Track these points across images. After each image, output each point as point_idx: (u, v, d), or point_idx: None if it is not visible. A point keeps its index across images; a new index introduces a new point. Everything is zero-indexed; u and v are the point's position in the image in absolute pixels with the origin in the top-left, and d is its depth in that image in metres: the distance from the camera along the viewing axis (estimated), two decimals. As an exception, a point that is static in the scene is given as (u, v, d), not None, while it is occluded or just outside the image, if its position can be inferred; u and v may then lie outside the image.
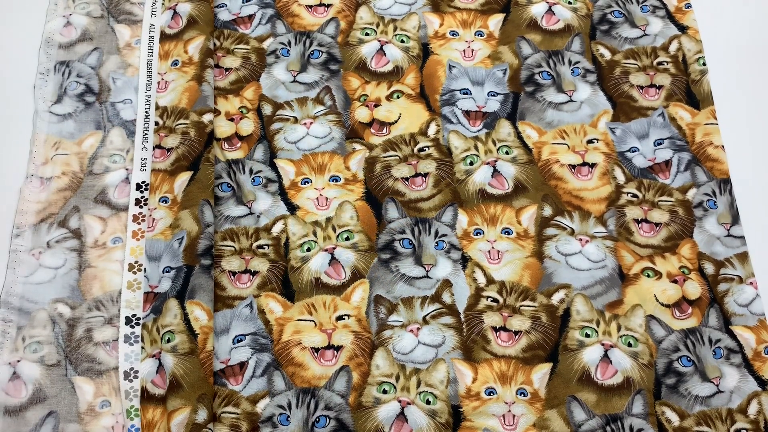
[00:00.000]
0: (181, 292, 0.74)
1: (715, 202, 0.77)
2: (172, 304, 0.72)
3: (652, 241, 0.77)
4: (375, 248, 0.81)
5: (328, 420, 0.71)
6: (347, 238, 0.81)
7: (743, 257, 0.76)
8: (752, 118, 0.82)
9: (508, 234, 0.80)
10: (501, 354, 0.75)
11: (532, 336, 0.75)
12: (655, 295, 0.75)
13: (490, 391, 0.73)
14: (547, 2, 0.91)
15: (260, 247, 0.80)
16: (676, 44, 0.86)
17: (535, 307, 0.77)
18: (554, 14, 0.90)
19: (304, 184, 0.84)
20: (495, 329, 0.76)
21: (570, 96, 0.85)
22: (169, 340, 0.70)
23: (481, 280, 0.79)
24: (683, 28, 0.86)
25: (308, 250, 0.81)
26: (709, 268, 0.76)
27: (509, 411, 0.71)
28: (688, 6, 0.88)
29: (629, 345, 0.73)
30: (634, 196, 0.79)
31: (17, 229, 0.76)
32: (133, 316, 0.72)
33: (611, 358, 0.72)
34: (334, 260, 0.80)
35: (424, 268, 0.79)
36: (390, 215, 0.82)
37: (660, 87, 0.83)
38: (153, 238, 0.75)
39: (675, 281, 0.75)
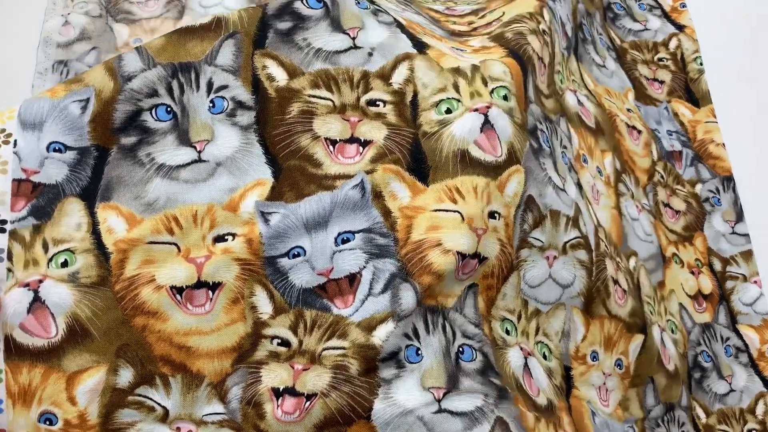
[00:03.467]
0: (90, 188, 0.48)
1: (719, 199, 0.76)
2: (74, 207, 0.48)
3: (675, 227, 0.72)
4: (526, 127, 0.56)
5: (474, 351, 0.49)
6: (506, 98, 0.54)
7: (747, 255, 0.74)
8: (749, 118, 0.80)
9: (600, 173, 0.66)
10: (615, 313, 0.59)
11: (635, 300, 0.61)
12: (681, 284, 0.69)
13: (594, 356, 0.58)
14: None
15: (373, 103, 0.52)
16: (675, 42, 0.83)
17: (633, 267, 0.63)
18: None
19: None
20: (615, 281, 0.59)
21: (603, 62, 0.76)
22: (65, 264, 0.47)
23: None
24: (680, 27, 0.83)
25: (448, 111, 0.53)
26: (717, 265, 0.73)
27: (604, 384, 0.57)
28: (683, 6, 0.84)
29: (671, 331, 0.66)
30: (661, 176, 0.75)
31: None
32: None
33: (665, 342, 0.64)
34: (488, 125, 0.53)
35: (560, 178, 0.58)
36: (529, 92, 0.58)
37: (662, 82, 0.81)
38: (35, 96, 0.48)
39: (692, 273, 0.71)
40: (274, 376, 0.47)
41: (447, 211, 0.51)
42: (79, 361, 0.46)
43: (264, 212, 0.50)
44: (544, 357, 0.53)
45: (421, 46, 0.56)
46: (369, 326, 0.48)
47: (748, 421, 0.67)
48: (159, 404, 0.47)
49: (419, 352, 0.49)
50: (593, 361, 0.57)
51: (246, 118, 0.51)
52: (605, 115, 0.69)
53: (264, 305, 0.49)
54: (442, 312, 0.49)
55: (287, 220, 0.50)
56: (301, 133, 0.51)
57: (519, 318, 0.53)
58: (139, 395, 0.47)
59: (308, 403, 0.47)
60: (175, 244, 0.48)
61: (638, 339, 0.59)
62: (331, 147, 0.51)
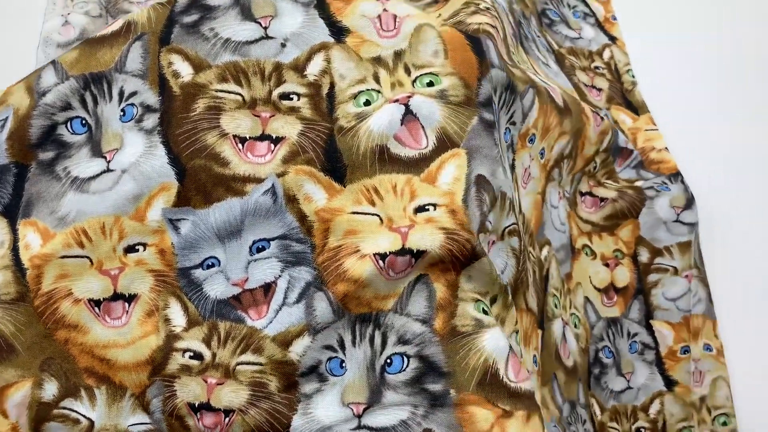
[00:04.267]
0: (12, 205, 0.48)
1: (668, 186, 0.69)
2: None
3: (592, 217, 0.66)
4: (475, 101, 0.49)
5: (405, 359, 0.46)
6: (430, 84, 0.49)
7: (685, 247, 0.67)
8: (687, 127, 0.76)
9: None
10: (530, 306, 0.57)
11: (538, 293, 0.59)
12: (590, 276, 0.64)
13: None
14: None
15: (286, 96, 0.48)
16: (608, 52, 0.79)
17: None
18: None
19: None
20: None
21: (547, 62, 0.70)
22: None
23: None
24: (613, 38, 0.80)
25: (366, 103, 0.49)
26: (644, 256, 0.67)
27: None
28: (614, 18, 0.81)
29: (575, 326, 0.61)
30: (594, 167, 0.69)
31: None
32: None
33: (567, 337, 0.59)
34: (409, 115, 0.48)
35: None
36: (493, 58, 0.51)
37: (600, 89, 0.77)
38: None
39: (606, 265, 0.66)
40: (188, 390, 0.46)
41: (365, 213, 0.48)
42: (5, 375, 0.47)
43: (172, 219, 0.48)
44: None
45: (339, 33, 0.51)
46: (284, 341, 0.47)
47: (638, 419, 0.63)
48: (84, 416, 0.47)
49: (343, 364, 0.47)
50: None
51: (151, 121, 0.49)
52: (572, 96, 0.61)
53: (177, 318, 0.48)
54: (374, 319, 0.47)
55: (198, 230, 0.48)
56: (207, 131, 0.48)
57: (494, 301, 0.48)
58: (64, 408, 0.47)
59: (227, 419, 0.46)
60: (87, 257, 0.48)
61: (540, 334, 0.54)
62: (240, 145, 0.48)
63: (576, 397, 0.58)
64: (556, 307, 0.58)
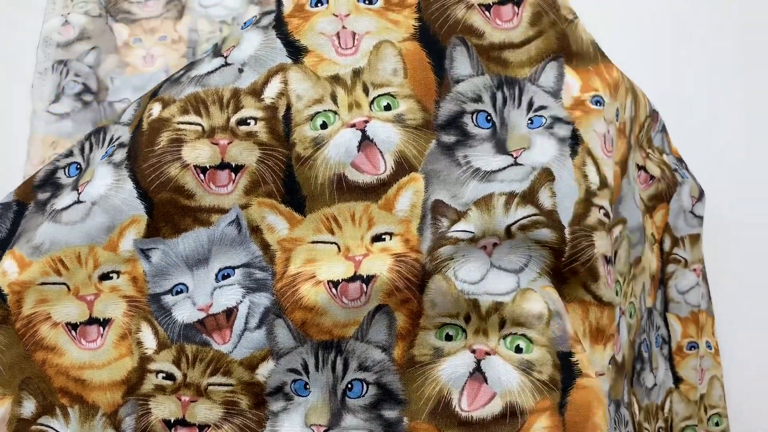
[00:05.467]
0: (6, 239, 0.51)
1: (685, 172, 0.65)
2: None
3: (643, 195, 0.61)
4: (433, 125, 0.50)
5: (365, 386, 0.48)
6: (388, 107, 0.48)
7: (695, 239, 0.65)
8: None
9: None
10: (608, 301, 0.50)
11: None
12: (650, 261, 0.59)
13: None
14: None
15: (243, 122, 0.48)
16: None
17: None
18: None
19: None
20: (606, 260, 0.50)
21: None
22: None
23: (594, 179, 0.50)
24: None
25: (323, 126, 0.48)
26: (666, 244, 0.64)
27: None
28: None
29: (630, 315, 0.56)
30: (641, 133, 0.62)
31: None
32: None
33: (620, 328, 0.54)
34: (366, 141, 0.48)
35: (512, 155, 0.49)
36: (458, 69, 0.50)
37: None
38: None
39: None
40: (163, 408, 0.49)
41: (324, 242, 0.49)
42: None
43: (143, 249, 0.50)
44: (518, 350, 0.48)
45: (297, 53, 0.51)
46: (251, 365, 0.49)
47: (658, 419, 0.61)
48: None
49: (307, 386, 0.49)
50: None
51: (119, 155, 0.51)
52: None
53: (149, 341, 0.50)
54: (336, 346, 0.48)
55: (168, 258, 0.50)
56: (170, 163, 0.49)
57: (468, 320, 0.49)
58: (42, 425, 0.50)
59: None
60: (65, 284, 0.50)
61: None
62: (201, 175, 0.49)
63: (621, 397, 0.54)
64: (617, 294, 0.53)
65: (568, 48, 0.52)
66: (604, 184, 0.50)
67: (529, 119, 0.51)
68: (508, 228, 0.49)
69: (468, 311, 0.48)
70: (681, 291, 0.64)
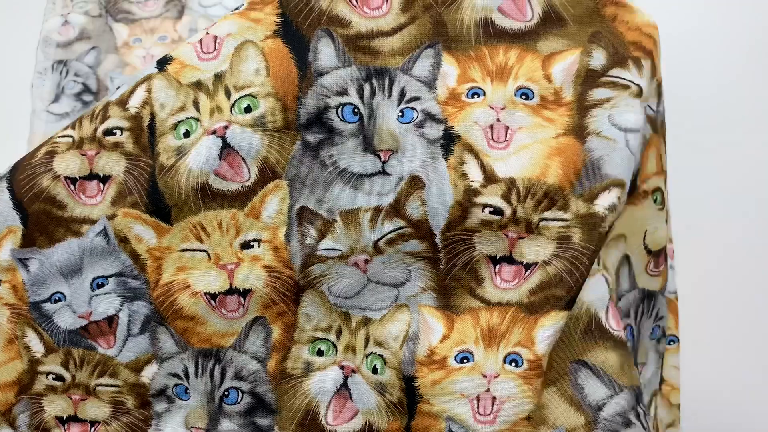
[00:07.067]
0: None
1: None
2: None
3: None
4: (295, 124, 0.48)
5: (240, 394, 0.50)
6: (248, 109, 0.47)
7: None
8: None
9: (526, 97, 0.47)
10: (497, 300, 0.48)
11: (552, 267, 0.47)
12: (646, 231, 0.51)
13: (465, 357, 0.48)
14: None
15: (110, 132, 0.48)
16: None
17: (565, 221, 0.47)
18: None
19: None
20: (494, 260, 0.47)
21: None
22: None
23: (476, 176, 0.47)
24: None
25: (186, 134, 0.47)
26: None
27: (488, 391, 0.46)
28: None
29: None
30: None
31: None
32: None
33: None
34: (228, 149, 0.47)
35: (379, 157, 0.47)
36: (322, 61, 0.47)
37: None
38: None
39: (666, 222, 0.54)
40: (56, 405, 0.51)
41: (194, 250, 0.49)
42: None
43: (21, 259, 0.50)
44: (375, 370, 0.48)
45: (163, 63, 0.49)
46: (136, 368, 0.51)
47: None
48: None
49: (188, 391, 0.50)
50: (461, 363, 0.47)
51: (4, 169, 0.51)
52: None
53: (36, 345, 0.51)
54: (215, 354, 0.50)
55: (44, 268, 0.50)
56: (42, 174, 0.50)
57: (339, 333, 0.49)
58: None
59: (93, 428, 0.51)
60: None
61: (559, 318, 0.46)
62: (72, 186, 0.49)
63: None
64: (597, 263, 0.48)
65: (445, 33, 0.48)
66: (491, 178, 0.47)
67: (400, 111, 0.47)
68: (376, 243, 0.48)
69: (340, 324, 0.49)
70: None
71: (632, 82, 0.48)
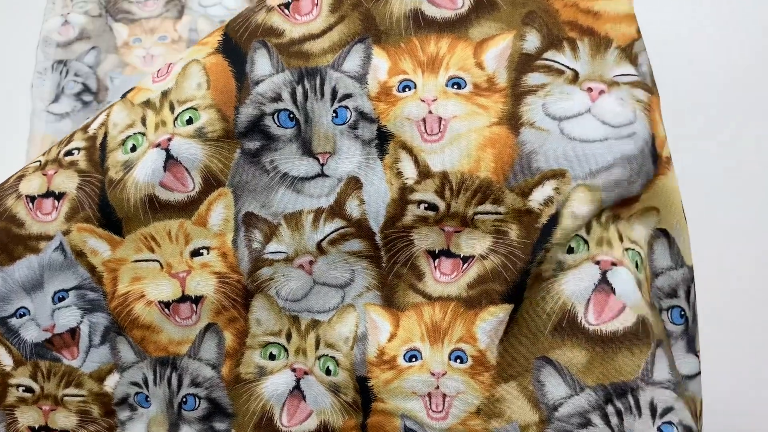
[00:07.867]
0: None
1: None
2: None
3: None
4: (234, 133, 0.49)
5: (197, 400, 0.51)
6: (190, 121, 0.48)
7: None
8: None
9: (458, 86, 0.47)
10: (438, 295, 0.48)
11: (489, 261, 0.47)
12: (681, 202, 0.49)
13: (413, 356, 0.48)
14: None
15: (69, 153, 0.51)
16: None
17: (499, 213, 0.47)
18: None
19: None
20: (433, 254, 0.48)
21: None
22: None
23: (411, 173, 0.48)
24: None
25: (133, 149, 0.48)
26: None
27: (437, 389, 0.47)
28: None
29: (636, 267, 0.47)
30: None
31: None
32: None
33: (615, 287, 0.45)
34: (171, 160, 0.49)
35: (318, 159, 0.48)
36: (258, 70, 0.49)
37: None
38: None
39: None
40: (28, 416, 0.53)
41: (146, 260, 0.50)
42: None
43: (-15, 276, 0.53)
44: (328, 372, 0.49)
45: (127, 92, 0.52)
46: (99, 377, 0.52)
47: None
48: None
49: (148, 399, 0.52)
50: (410, 362, 0.48)
51: None
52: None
53: (5, 359, 0.53)
54: (172, 362, 0.51)
55: (8, 284, 0.52)
56: (8, 195, 0.52)
57: (289, 337, 0.50)
58: None
59: None
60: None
61: (499, 312, 0.46)
62: (30, 204, 0.51)
63: (635, 379, 0.45)
64: (586, 246, 0.46)
65: (375, 27, 0.49)
66: (425, 174, 0.47)
67: (334, 111, 0.48)
68: (319, 244, 0.49)
69: (290, 328, 0.50)
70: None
71: (567, 66, 0.48)
